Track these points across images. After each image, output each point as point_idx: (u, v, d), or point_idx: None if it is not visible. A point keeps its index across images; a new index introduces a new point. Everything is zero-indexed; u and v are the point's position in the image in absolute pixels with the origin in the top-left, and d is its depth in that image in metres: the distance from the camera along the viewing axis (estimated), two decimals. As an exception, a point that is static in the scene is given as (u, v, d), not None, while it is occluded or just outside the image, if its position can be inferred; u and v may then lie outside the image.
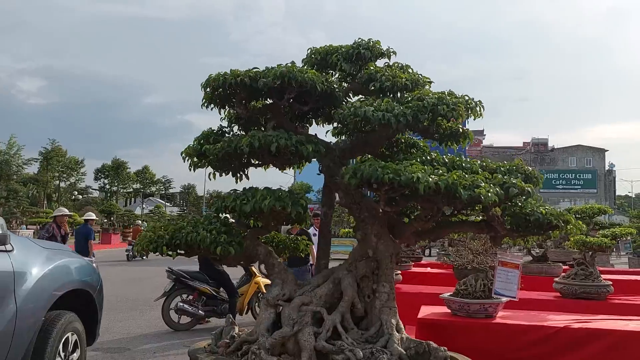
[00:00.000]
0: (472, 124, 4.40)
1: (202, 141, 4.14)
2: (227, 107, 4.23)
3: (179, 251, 3.85)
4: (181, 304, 8.22)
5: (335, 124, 4.44)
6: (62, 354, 3.99)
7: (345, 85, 4.36)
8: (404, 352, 3.58)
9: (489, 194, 3.27)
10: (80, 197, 67.54)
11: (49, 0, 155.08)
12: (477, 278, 5.06)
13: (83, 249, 11.67)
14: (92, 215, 12.78)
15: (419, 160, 3.70)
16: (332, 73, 4.37)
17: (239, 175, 4.30)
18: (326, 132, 4.57)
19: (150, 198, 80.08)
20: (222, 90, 3.92)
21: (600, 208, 11.59)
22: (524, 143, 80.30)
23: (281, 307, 3.89)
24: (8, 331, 3.43)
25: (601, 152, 73.38)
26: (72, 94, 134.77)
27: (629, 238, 16.91)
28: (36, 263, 3.88)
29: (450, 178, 3.24)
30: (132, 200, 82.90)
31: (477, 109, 3.86)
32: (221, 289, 8.49)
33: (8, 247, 3.61)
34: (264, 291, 8.78)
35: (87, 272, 4.68)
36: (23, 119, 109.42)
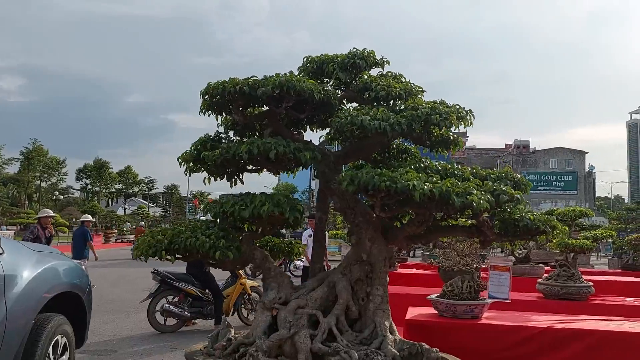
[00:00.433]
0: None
1: (199, 147, 4.21)
2: (224, 113, 4.30)
3: (177, 256, 3.91)
4: (167, 305, 8.19)
5: (329, 130, 4.55)
6: (52, 357, 3.98)
7: (340, 92, 4.47)
8: (398, 354, 3.69)
9: (481, 201, 3.41)
10: (62, 197, 66.72)
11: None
12: (463, 280, 5.15)
13: (81, 251, 11.95)
14: (88, 217, 13.17)
15: (413, 167, 3.82)
16: (327, 81, 4.48)
17: (233, 180, 4.38)
18: (320, 138, 4.68)
19: (132, 198, 79.39)
20: (220, 97, 4.00)
21: (581, 211, 11.88)
22: (506, 145, 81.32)
23: (277, 310, 3.98)
24: None
25: (581, 154, 74.62)
26: (54, 93, 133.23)
27: (609, 240, 17.30)
28: (26, 266, 3.88)
29: (444, 186, 3.36)
30: (114, 201, 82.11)
31: (468, 117, 4.00)
32: (207, 290, 8.50)
33: None
34: (250, 292, 8.87)
35: (76, 274, 4.68)
36: (3, 118, 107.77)
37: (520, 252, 10.47)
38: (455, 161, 4.30)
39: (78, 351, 4.66)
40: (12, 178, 58.72)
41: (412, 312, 5.29)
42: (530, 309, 6.14)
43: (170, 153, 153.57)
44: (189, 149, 4.25)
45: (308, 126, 4.54)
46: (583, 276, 7.16)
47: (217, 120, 4.33)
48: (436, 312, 5.15)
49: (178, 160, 4.27)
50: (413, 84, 4.25)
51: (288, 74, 3.95)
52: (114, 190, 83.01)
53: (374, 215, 4.10)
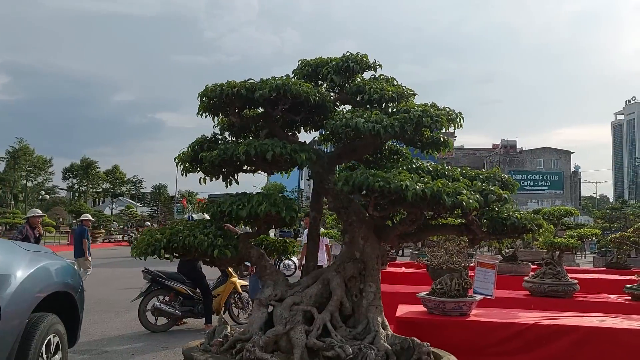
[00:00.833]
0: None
1: (195, 147, 4.29)
2: (220, 115, 4.39)
3: (175, 254, 3.99)
4: (158, 304, 8.18)
5: (322, 131, 4.66)
6: (45, 356, 3.97)
7: (333, 95, 4.58)
8: (390, 348, 3.80)
9: (470, 201, 3.55)
10: (48, 197, 66.06)
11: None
12: (452, 278, 5.22)
13: (80, 249, 12.67)
14: (87, 216, 13.62)
15: (405, 168, 3.94)
16: (321, 83, 4.58)
17: (229, 179, 4.47)
18: (313, 139, 4.78)
19: (119, 198, 78.75)
20: (217, 99, 4.08)
21: (567, 210, 12.10)
22: (493, 145, 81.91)
23: (273, 307, 4.08)
24: None
25: (567, 154, 75.50)
26: (39, 91, 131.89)
27: (594, 239, 17.59)
28: (20, 265, 3.88)
29: (435, 186, 3.49)
30: (101, 201, 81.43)
31: (457, 120, 4.13)
32: (197, 289, 8.51)
33: None
34: (240, 291, 8.93)
35: (68, 273, 4.68)
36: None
37: (507, 250, 10.60)
38: (443, 161, 4.43)
39: (69, 350, 4.67)
40: (-2, 177, 58.11)
41: (402, 310, 5.36)
42: (517, 306, 6.26)
43: (157, 152, 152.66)
44: (186, 149, 4.33)
45: (302, 127, 4.65)
46: (568, 274, 7.29)
47: (213, 121, 4.42)
48: (425, 309, 5.21)
49: (175, 160, 4.35)
50: (405, 87, 4.38)
51: (284, 77, 4.05)
52: (101, 190, 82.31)
53: (367, 215, 4.22)
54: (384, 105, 4.24)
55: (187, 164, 4.35)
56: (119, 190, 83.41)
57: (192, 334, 7.72)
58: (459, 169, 4.30)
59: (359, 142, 4.21)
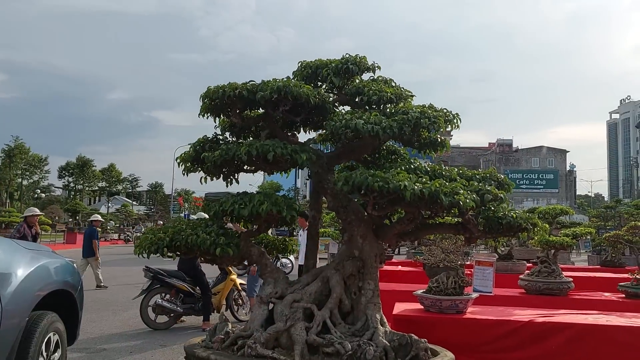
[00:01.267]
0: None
1: (197, 148, 4.37)
2: (222, 115, 4.46)
3: (177, 253, 4.05)
4: (160, 300, 8.22)
5: (321, 132, 4.73)
6: (45, 354, 4.00)
7: (333, 96, 4.65)
8: (388, 344, 3.88)
9: (467, 200, 3.63)
10: (43, 195, 65.91)
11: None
12: (448, 276, 5.27)
13: (89, 249, 12.99)
14: (97, 217, 14.00)
15: (403, 168, 4.02)
16: (321, 85, 4.65)
17: (229, 179, 4.54)
18: (311, 139, 4.85)
19: (115, 197, 78.53)
20: (219, 100, 4.16)
21: (562, 209, 12.21)
22: (489, 144, 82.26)
23: (274, 304, 4.16)
24: None
25: (563, 153, 75.87)
26: (34, 89, 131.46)
27: (588, 237, 17.71)
28: (20, 264, 3.90)
29: (433, 186, 3.57)
30: (96, 199, 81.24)
31: (455, 121, 4.22)
32: (197, 287, 8.57)
33: None
34: (240, 289, 8.99)
35: (68, 272, 4.70)
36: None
37: (503, 249, 10.69)
38: (440, 160, 4.51)
39: (68, 348, 4.71)
40: (-7, 176, 57.88)
41: (399, 308, 5.40)
42: (513, 304, 6.32)
43: (153, 150, 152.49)
44: (188, 149, 4.40)
45: (302, 128, 4.72)
46: (563, 272, 7.34)
47: (215, 122, 4.48)
48: (422, 307, 5.26)
49: (176, 160, 4.42)
50: (403, 88, 4.46)
51: (285, 79, 4.13)
52: (97, 188, 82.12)
53: (366, 214, 4.30)
54: (382, 106, 4.32)
55: (189, 164, 4.42)
56: (115, 189, 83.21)
57: (190, 332, 7.79)
58: (456, 169, 4.39)
59: (358, 143, 4.29)
